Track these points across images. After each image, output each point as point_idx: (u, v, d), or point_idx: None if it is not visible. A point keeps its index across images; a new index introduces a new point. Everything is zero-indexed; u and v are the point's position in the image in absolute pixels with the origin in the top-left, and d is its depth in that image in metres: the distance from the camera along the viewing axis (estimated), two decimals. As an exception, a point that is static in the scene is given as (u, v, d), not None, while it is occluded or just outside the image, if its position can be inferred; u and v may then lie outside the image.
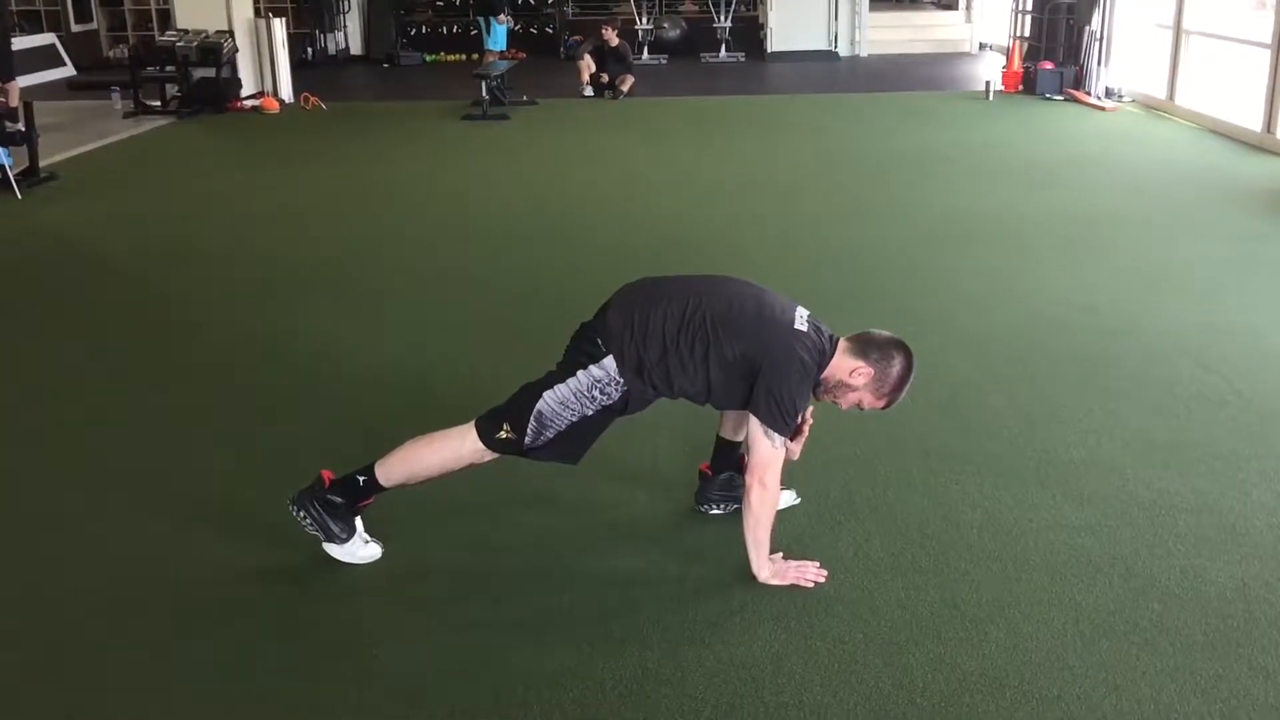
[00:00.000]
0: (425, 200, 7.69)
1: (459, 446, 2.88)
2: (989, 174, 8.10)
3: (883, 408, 2.93)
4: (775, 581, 2.89)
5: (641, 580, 2.95)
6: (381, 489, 2.92)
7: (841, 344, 2.87)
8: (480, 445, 2.86)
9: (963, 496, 3.36)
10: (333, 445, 3.62)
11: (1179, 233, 6.42)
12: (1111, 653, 2.62)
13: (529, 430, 2.81)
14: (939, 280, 5.58)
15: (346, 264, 6.08)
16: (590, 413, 2.81)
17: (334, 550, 2.96)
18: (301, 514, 2.92)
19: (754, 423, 2.78)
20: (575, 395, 2.79)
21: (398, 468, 2.90)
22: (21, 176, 7.79)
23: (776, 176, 8.19)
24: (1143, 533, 3.14)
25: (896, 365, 2.85)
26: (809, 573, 2.92)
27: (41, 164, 8.14)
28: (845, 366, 2.84)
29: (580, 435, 2.87)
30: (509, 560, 3.06)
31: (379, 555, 3.00)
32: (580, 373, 2.79)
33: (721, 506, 3.23)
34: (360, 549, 2.98)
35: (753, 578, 2.90)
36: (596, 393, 2.79)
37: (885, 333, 2.91)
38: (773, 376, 2.74)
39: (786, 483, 3.34)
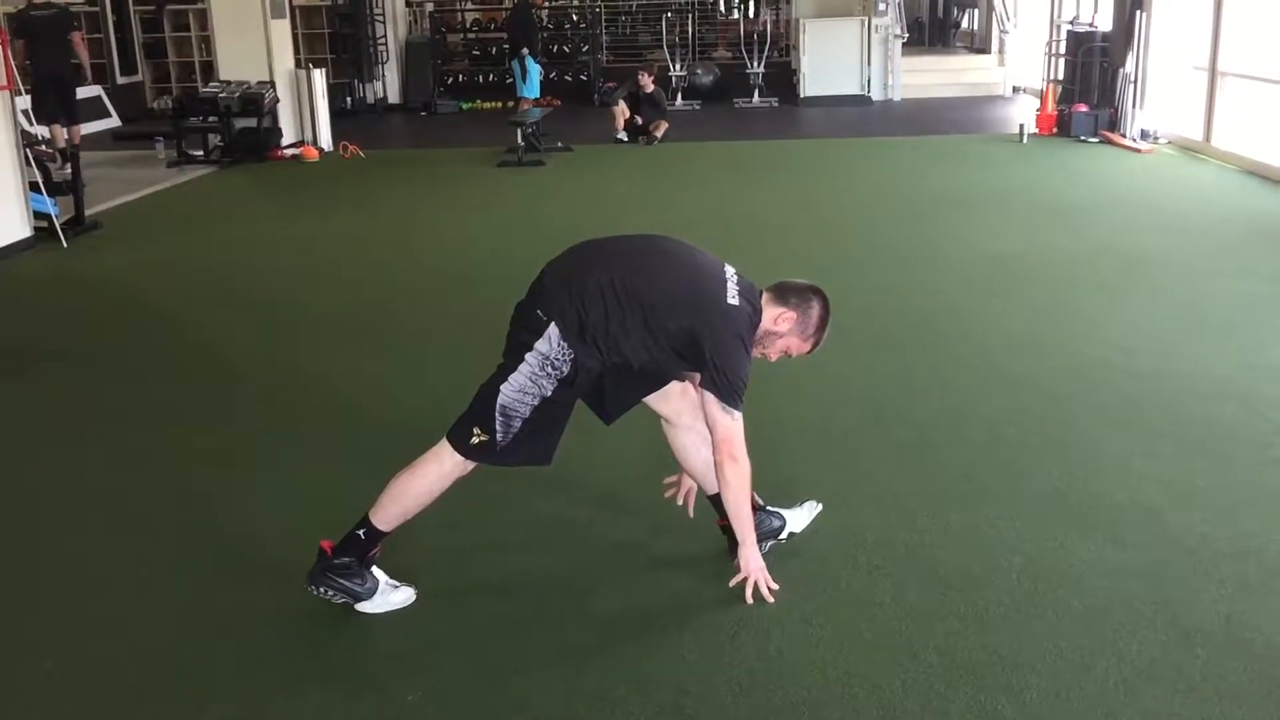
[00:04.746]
0: (463, 244, 7.76)
1: (440, 466, 2.91)
2: (1025, 215, 8.07)
3: (809, 351, 3.03)
4: (749, 572, 2.96)
5: (676, 622, 2.94)
6: (382, 534, 2.94)
7: (764, 296, 2.95)
8: (459, 457, 2.89)
9: (1002, 540, 3.33)
10: (374, 487, 3.64)
11: (1219, 273, 6.37)
12: (1156, 701, 2.57)
13: (498, 427, 2.83)
14: (977, 321, 5.56)
15: (387, 307, 6.14)
16: (549, 393, 2.82)
17: (367, 607, 2.97)
18: (322, 590, 2.94)
19: (710, 400, 2.85)
20: (530, 379, 2.81)
21: (391, 508, 2.92)
22: (68, 225, 7.94)
23: (812, 219, 8.21)
24: (1186, 577, 3.10)
25: (816, 307, 2.96)
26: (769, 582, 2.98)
27: (87, 213, 8.30)
28: (770, 315, 2.94)
29: (546, 423, 2.87)
30: (542, 601, 3.06)
31: (413, 597, 3.02)
32: (528, 355, 2.80)
33: None
34: (392, 596, 3.00)
35: (739, 572, 2.99)
36: (550, 369, 2.80)
37: (800, 280, 3.02)
38: (718, 357, 2.82)
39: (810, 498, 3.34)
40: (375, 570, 2.98)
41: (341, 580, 2.93)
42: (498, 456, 2.88)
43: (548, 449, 2.93)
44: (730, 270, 2.94)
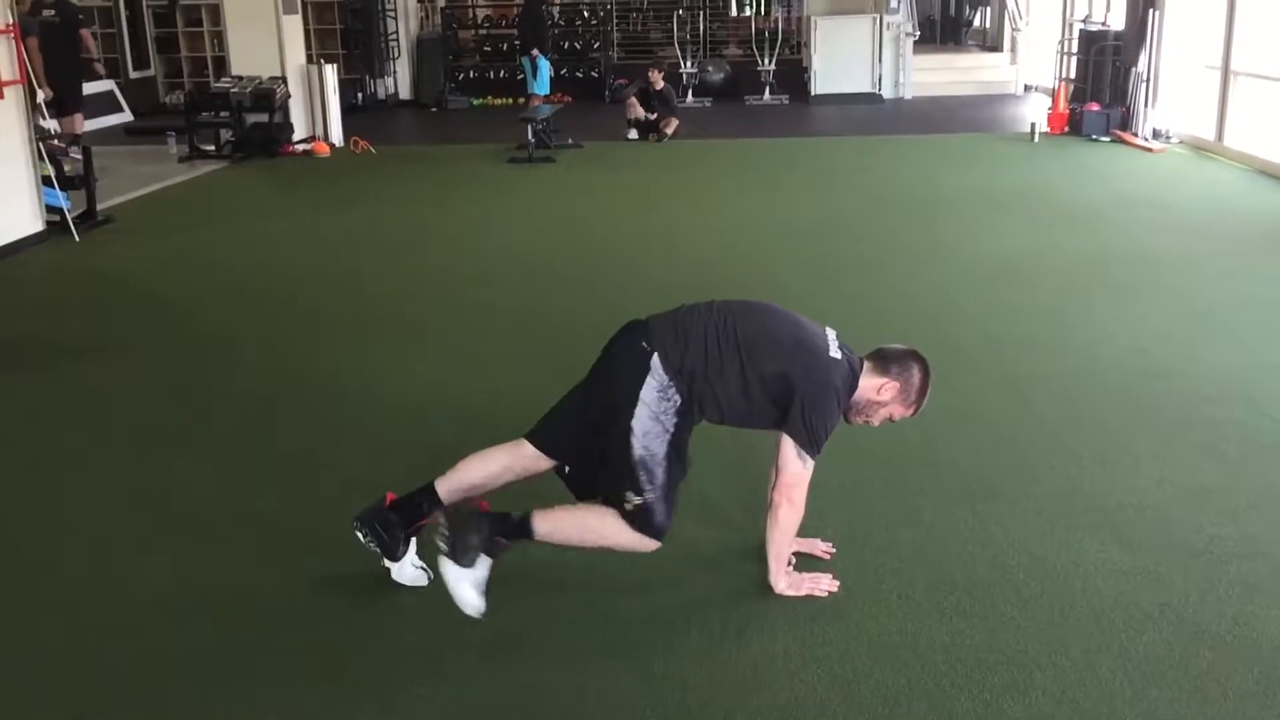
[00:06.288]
0: (472, 240, 7.78)
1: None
2: (1036, 215, 8.06)
3: (912, 415, 3.06)
4: (790, 592, 3.00)
5: (685, 619, 2.95)
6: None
7: (865, 365, 2.99)
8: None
9: (1008, 540, 3.33)
10: (383, 478, 3.66)
11: (1229, 274, 6.35)
12: (1161, 701, 2.58)
13: (644, 483, 2.82)
14: (987, 321, 5.56)
15: (397, 301, 6.16)
16: (672, 428, 2.83)
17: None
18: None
19: (788, 443, 2.87)
20: (652, 417, 2.81)
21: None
22: (80, 219, 7.97)
23: (822, 218, 8.20)
24: (1192, 579, 3.10)
25: (917, 374, 2.99)
26: (823, 583, 3.03)
27: (99, 207, 8.33)
28: (872, 385, 2.97)
29: (678, 456, 2.87)
30: (552, 597, 3.07)
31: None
32: (642, 391, 2.81)
33: None
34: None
35: (770, 589, 3.01)
36: (665, 401, 2.81)
37: (898, 345, 3.05)
38: (810, 403, 2.84)
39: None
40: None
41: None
42: (651, 516, 2.84)
43: (682, 474, 2.94)
44: (831, 333, 2.99)
